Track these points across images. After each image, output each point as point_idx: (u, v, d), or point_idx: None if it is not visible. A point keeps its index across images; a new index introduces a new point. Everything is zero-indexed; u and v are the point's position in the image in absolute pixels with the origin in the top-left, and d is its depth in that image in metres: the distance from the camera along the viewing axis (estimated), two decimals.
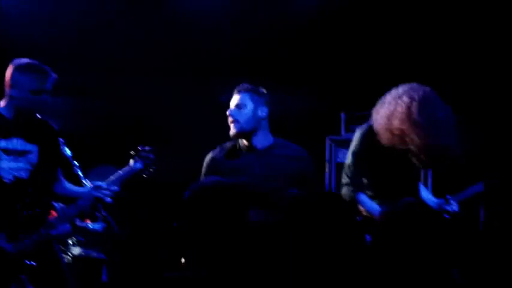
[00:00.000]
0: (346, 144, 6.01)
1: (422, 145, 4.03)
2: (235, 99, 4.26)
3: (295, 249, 4.05)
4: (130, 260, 6.13)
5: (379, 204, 4.19)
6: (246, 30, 6.46)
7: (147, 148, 4.09)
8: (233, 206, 3.97)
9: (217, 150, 4.36)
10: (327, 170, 6.23)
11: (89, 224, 5.11)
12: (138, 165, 4.08)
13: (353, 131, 5.63)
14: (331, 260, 4.08)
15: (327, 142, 6.21)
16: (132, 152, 4.09)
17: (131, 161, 4.07)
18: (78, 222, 5.07)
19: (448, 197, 4.27)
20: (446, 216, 4.24)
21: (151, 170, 4.10)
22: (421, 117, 4.03)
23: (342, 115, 6.27)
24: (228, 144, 4.34)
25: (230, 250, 3.93)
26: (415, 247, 4.12)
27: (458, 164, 4.20)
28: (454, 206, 4.25)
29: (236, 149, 4.28)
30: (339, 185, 5.93)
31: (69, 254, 5.00)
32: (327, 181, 6.13)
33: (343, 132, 6.25)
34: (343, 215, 4.25)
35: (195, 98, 6.63)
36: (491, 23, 6.07)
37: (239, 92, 4.28)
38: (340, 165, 5.98)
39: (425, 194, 4.40)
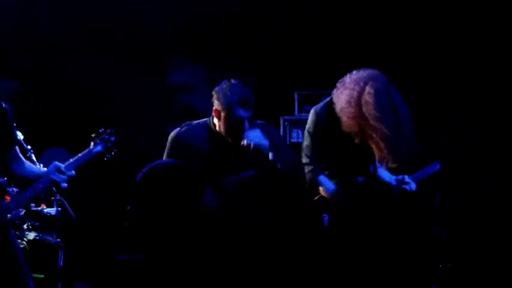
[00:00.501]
0: (300, 124, 6.07)
1: (380, 134, 4.09)
2: None
3: (248, 234, 4.08)
4: (85, 244, 6.09)
5: (335, 184, 4.24)
6: (196, 10, 6.46)
7: (108, 130, 4.05)
8: (185, 190, 3.96)
9: (184, 129, 4.36)
10: None
11: (44, 208, 5.06)
12: (99, 148, 4.04)
13: (307, 111, 5.67)
14: (285, 242, 4.12)
15: (281, 122, 6.24)
16: (92, 135, 4.05)
17: (91, 144, 4.03)
18: (33, 207, 5.03)
19: (406, 176, 4.32)
20: (405, 194, 4.28)
21: (112, 153, 4.06)
22: (377, 106, 4.09)
23: (295, 95, 6.30)
24: (201, 123, 4.35)
25: (183, 235, 3.92)
26: (369, 225, 4.18)
27: (415, 155, 4.28)
28: (411, 185, 4.30)
29: (209, 130, 4.31)
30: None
31: (25, 239, 4.95)
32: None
33: (296, 112, 6.28)
34: (296, 195, 4.28)
35: (143, 79, 6.60)
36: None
37: None
38: (294, 145, 6.01)
39: (384, 173, 4.44)
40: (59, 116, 6.55)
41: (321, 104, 4.36)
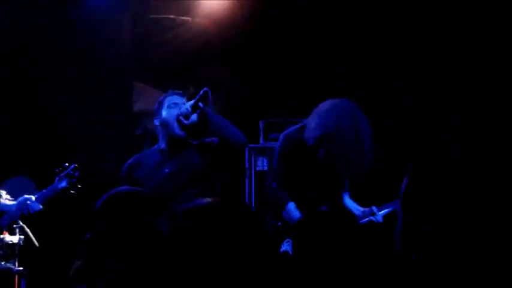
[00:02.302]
0: (265, 152, 6.11)
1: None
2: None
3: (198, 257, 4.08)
4: (49, 272, 6.02)
5: (301, 211, 4.27)
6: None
7: (72, 166, 4.05)
8: (140, 216, 3.96)
9: (134, 158, 4.39)
10: (247, 177, 6.28)
11: (6, 236, 5.01)
12: (63, 183, 4.06)
13: (272, 139, 5.70)
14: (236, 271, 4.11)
15: (246, 150, 6.26)
16: (56, 170, 4.04)
17: (56, 180, 4.03)
18: None
19: (374, 208, 4.37)
20: (371, 225, 4.33)
21: (77, 188, 4.06)
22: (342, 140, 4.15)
23: (261, 123, 6.33)
24: (152, 149, 4.39)
25: (140, 261, 3.92)
26: (332, 255, 4.21)
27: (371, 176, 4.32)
28: (378, 217, 4.35)
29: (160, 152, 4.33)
30: (258, 192, 6.01)
31: None
32: (246, 189, 6.18)
33: (261, 140, 6.31)
34: (248, 224, 4.29)
35: (107, 105, 6.60)
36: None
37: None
38: (259, 173, 6.04)
39: (350, 203, 4.49)
40: (21, 144, 6.50)
41: (292, 129, 4.42)
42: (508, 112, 6.16)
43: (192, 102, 4.18)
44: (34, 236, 4.90)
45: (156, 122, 4.32)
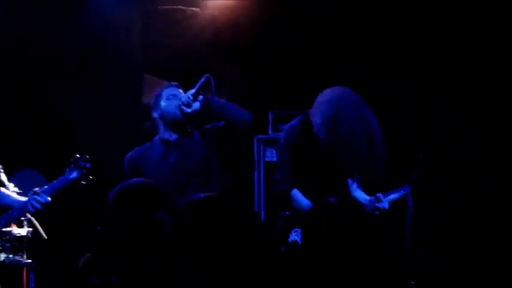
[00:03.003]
0: (274, 143, 6.08)
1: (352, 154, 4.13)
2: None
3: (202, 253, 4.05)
4: (58, 265, 6.02)
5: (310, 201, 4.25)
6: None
7: (83, 157, 4.03)
8: (150, 208, 3.95)
9: (135, 150, 4.37)
10: (255, 169, 6.27)
11: (14, 229, 5.00)
12: (74, 174, 4.04)
13: (281, 131, 5.67)
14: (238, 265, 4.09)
15: (255, 141, 6.24)
16: (68, 161, 4.02)
17: (66, 170, 4.01)
18: (2, 228, 4.97)
19: (379, 194, 4.35)
20: (376, 212, 4.32)
21: (88, 179, 4.04)
22: (349, 128, 4.13)
23: (270, 115, 6.31)
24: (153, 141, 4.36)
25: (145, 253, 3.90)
26: (341, 244, 4.18)
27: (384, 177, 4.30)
28: (384, 204, 4.34)
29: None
30: (267, 183, 5.99)
31: None
32: (255, 180, 6.17)
33: (270, 131, 6.29)
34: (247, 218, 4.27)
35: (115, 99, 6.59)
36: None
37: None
38: (268, 164, 6.02)
39: (357, 193, 4.47)
40: (32, 137, 6.50)
41: (295, 120, 4.41)
42: (508, 112, 6.13)
43: (193, 90, 4.14)
44: (42, 229, 4.90)
45: (155, 115, 4.29)
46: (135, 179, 4.18)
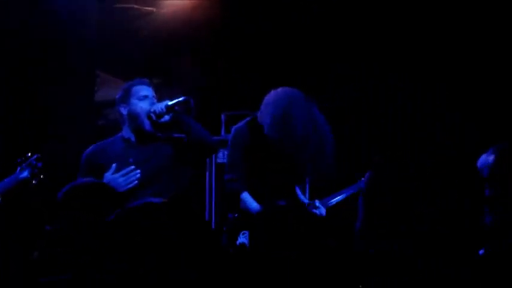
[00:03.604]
0: (226, 144, 6.09)
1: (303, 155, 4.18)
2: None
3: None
4: (6, 265, 5.96)
5: (259, 205, 4.29)
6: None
7: (35, 156, 4.00)
8: (101, 208, 3.94)
9: (93, 146, 4.35)
10: (207, 170, 6.28)
11: None
12: (25, 173, 4.00)
13: None
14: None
15: None
16: (18, 160, 3.99)
17: (18, 169, 3.98)
18: None
19: (316, 201, 4.40)
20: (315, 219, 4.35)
21: (39, 178, 4.01)
22: (299, 127, 4.18)
23: (222, 116, 6.34)
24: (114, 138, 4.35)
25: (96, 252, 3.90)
26: (287, 247, 4.23)
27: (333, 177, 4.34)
28: (321, 210, 4.38)
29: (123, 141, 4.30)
30: (218, 184, 6.02)
31: None
32: (207, 181, 6.19)
33: (223, 132, 6.32)
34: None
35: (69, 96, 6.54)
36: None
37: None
38: (220, 165, 6.04)
39: (300, 196, 4.52)
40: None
41: (242, 122, 4.45)
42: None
43: (167, 102, 4.11)
44: None
45: (123, 111, 4.23)
46: (86, 178, 4.18)
